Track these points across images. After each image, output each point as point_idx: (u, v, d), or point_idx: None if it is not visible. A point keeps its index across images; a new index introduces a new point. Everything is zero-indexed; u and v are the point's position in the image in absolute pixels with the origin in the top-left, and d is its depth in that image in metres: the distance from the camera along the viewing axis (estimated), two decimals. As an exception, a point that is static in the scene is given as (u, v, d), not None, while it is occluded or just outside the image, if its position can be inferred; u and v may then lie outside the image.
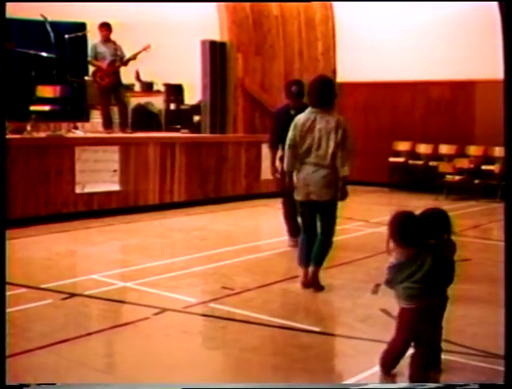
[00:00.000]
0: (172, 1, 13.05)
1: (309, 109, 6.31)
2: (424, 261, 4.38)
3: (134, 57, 11.64)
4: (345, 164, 6.13)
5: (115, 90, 11.65)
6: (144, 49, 11.45)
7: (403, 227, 4.44)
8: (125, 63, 11.69)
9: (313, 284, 6.33)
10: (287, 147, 6.34)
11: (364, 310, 5.81)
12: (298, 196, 6.36)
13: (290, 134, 6.28)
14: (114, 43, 11.58)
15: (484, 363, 4.57)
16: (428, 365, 4.40)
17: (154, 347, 4.87)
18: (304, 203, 6.34)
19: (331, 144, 6.12)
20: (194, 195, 11.53)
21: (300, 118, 6.29)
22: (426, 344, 4.41)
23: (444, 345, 4.81)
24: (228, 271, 7.03)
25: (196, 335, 5.28)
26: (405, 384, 4.38)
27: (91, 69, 11.96)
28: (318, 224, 6.38)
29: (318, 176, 6.19)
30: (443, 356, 4.63)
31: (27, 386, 3.91)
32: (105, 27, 11.45)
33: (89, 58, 11.64)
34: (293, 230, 7.97)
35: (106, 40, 11.51)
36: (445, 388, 4.37)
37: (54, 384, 4.11)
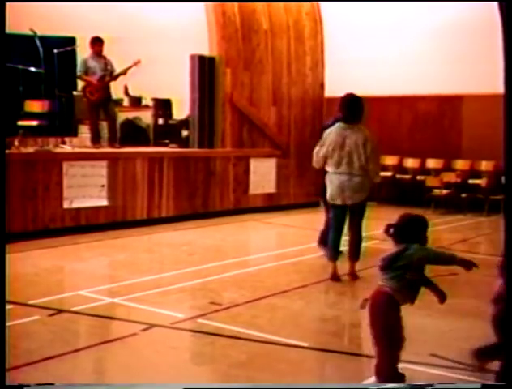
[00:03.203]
0: (167, 1, 13.09)
1: (339, 124, 7.17)
2: (412, 254, 4.70)
3: (124, 72, 11.64)
4: (377, 172, 7.24)
5: (104, 105, 11.63)
6: (135, 64, 11.46)
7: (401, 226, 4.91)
8: (116, 78, 11.69)
9: (351, 275, 7.32)
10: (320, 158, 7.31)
11: (352, 325, 5.82)
12: (335, 200, 7.29)
13: (323, 148, 7.22)
14: (105, 58, 11.57)
15: (471, 377, 4.56)
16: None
17: (142, 363, 4.85)
18: (339, 206, 7.28)
19: (362, 157, 7.04)
20: (182, 210, 11.52)
21: (331, 132, 7.18)
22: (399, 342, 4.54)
23: (432, 360, 4.83)
24: (216, 286, 7.02)
25: (184, 350, 5.27)
26: (405, 384, 4.39)
27: (80, 84, 11.92)
28: (350, 223, 7.38)
29: (353, 183, 7.11)
30: (431, 371, 4.64)
31: (28, 386, 3.94)
32: (98, 42, 11.44)
33: (79, 73, 11.59)
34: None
35: (98, 54, 11.50)
36: None
37: (54, 384, 4.12)
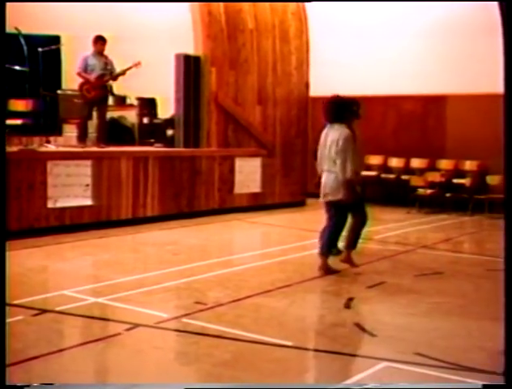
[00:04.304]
0: (155, 1, 13.05)
1: (327, 125, 7.59)
2: None
3: (123, 73, 11.61)
4: (344, 169, 7.25)
5: (100, 104, 11.60)
6: (135, 66, 11.45)
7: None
8: (115, 78, 11.67)
9: (321, 268, 7.55)
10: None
11: (336, 324, 5.83)
12: (322, 198, 7.67)
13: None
14: (106, 57, 11.55)
15: (455, 376, 4.58)
16: None
17: (126, 363, 4.84)
18: (325, 203, 7.65)
19: (334, 155, 7.34)
20: (167, 209, 11.50)
21: (322, 133, 7.61)
22: None
23: (417, 358, 4.85)
24: (201, 285, 7.01)
25: (168, 350, 5.26)
26: (405, 384, 4.41)
27: (78, 80, 11.81)
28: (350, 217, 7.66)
29: (329, 180, 7.42)
30: (416, 369, 4.67)
31: (28, 386, 3.94)
32: (100, 41, 11.43)
33: (78, 70, 11.53)
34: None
35: (99, 53, 11.47)
36: None
37: (54, 384, 4.12)
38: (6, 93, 10.73)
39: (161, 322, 5.68)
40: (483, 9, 13.28)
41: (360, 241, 7.99)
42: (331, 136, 7.43)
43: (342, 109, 7.51)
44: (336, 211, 7.59)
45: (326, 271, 7.55)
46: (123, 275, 7.34)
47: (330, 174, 7.45)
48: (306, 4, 14.48)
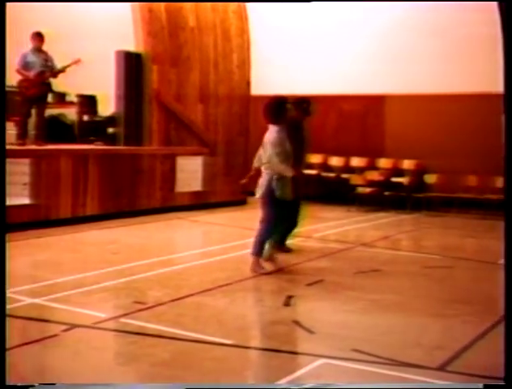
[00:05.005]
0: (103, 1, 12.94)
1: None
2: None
3: (63, 70, 11.40)
4: (276, 167, 7.39)
5: (39, 101, 11.38)
6: (75, 63, 11.25)
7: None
8: (55, 75, 11.44)
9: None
10: None
11: (276, 322, 5.88)
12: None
13: None
14: (46, 54, 11.33)
15: (392, 371, 4.66)
16: None
17: (64, 364, 4.78)
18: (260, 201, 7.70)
19: (267, 153, 7.49)
20: (107, 208, 11.39)
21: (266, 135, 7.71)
22: None
23: (355, 355, 4.92)
24: (141, 285, 6.97)
25: (106, 350, 5.22)
26: (405, 384, 4.46)
27: (17, 77, 11.57)
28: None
29: (263, 178, 7.54)
30: (354, 366, 4.74)
31: (28, 386, 3.94)
32: (38, 37, 11.22)
33: (17, 67, 11.30)
34: None
35: (38, 49, 11.26)
36: None
37: (54, 384, 4.09)
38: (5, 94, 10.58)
39: (99, 323, 5.62)
40: (423, 10, 13.55)
41: (301, 239, 8.08)
42: (266, 137, 7.62)
43: (276, 110, 7.63)
44: (268, 209, 7.63)
45: (257, 270, 7.52)
46: (62, 275, 7.24)
47: (264, 173, 7.57)
48: (247, 4, 14.52)
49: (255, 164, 7.93)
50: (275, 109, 7.64)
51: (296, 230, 8.74)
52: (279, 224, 7.73)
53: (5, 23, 4.59)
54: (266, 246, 7.73)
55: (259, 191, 7.59)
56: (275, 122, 7.59)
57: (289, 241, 8.73)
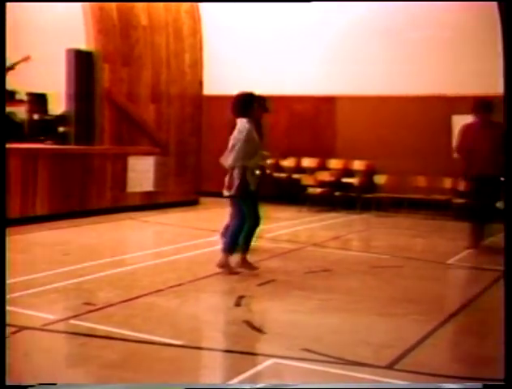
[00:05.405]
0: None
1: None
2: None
3: (12, 67, 11.21)
4: (230, 157, 7.44)
5: None
6: (24, 60, 11.09)
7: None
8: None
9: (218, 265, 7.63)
10: None
11: (226, 323, 5.90)
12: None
13: None
14: None
15: (341, 370, 4.72)
16: None
17: (12, 366, 4.71)
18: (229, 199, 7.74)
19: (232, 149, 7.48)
20: (57, 209, 11.24)
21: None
22: None
23: (305, 354, 4.97)
24: (91, 286, 6.92)
25: (56, 352, 5.17)
26: (404, 383, 4.48)
27: None
28: None
29: (233, 175, 7.47)
30: (303, 365, 4.78)
31: (28, 386, 3.92)
32: None
33: None
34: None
35: None
36: None
37: (55, 384, 4.07)
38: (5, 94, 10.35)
39: (49, 324, 5.56)
40: (375, 13, 13.72)
41: (252, 239, 8.10)
42: (234, 131, 7.62)
43: (245, 104, 7.68)
44: (236, 207, 7.68)
45: (225, 268, 7.57)
46: (11, 276, 7.05)
47: (235, 169, 7.56)
48: (200, 4, 14.51)
49: (224, 163, 7.79)
50: (244, 103, 7.69)
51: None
52: (252, 219, 7.66)
53: (5, 23, 4.56)
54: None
55: (226, 188, 7.57)
56: (243, 116, 7.61)
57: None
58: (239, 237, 7.63)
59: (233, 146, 7.47)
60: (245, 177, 7.45)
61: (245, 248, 7.66)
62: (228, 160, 7.49)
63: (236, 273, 7.55)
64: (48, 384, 4.07)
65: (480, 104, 9.44)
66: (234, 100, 7.77)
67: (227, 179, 7.51)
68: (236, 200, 7.64)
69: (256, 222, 7.64)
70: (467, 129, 9.59)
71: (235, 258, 7.70)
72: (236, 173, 7.44)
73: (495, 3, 10.63)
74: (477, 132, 9.37)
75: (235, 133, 7.54)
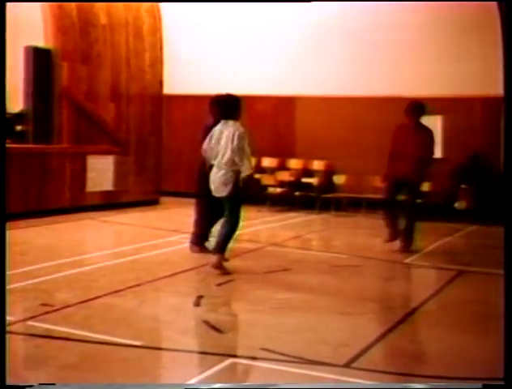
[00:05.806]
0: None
1: (221, 121, 7.67)
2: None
3: None
4: (244, 166, 7.49)
5: None
6: None
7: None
8: None
9: (213, 266, 7.59)
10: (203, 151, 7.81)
11: (186, 323, 5.90)
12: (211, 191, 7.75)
13: (209, 143, 7.71)
14: None
15: (299, 369, 4.75)
16: None
17: (-34, 369, 4.66)
18: (214, 197, 7.76)
19: (229, 151, 7.47)
20: (14, 208, 11.06)
21: (217, 129, 7.67)
22: None
23: (263, 354, 4.99)
24: (49, 286, 6.85)
25: (13, 354, 5.08)
26: (402, 383, 4.49)
27: None
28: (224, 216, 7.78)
29: (218, 175, 7.56)
30: (262, 364, 4.81)
31: (28, 386, 3.91)
32: None
33: None
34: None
35: None
36: None
37: (54, 384, 4.06)
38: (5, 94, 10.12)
39: (6, 326, 5.49)
40: (337, 14, 13.82)
41: (212, 239, 8.11)
42: (226, 133, 7.55)
43: (234, 106, 7.69)
44: (226, 207, 7.69)
45: (220, 269, 7.57)
46: (-35, 277, 7.03)
47: (220, 170, 7.56)
48: (160, 4, 14.46)
49: (207, 158, 7.79)
50: (233, 105, 7.68)
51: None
52: (238, 220, 7.73)
53: (5, 23, 4.50)
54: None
55: (222, 189, 7.57)
56: (232, 118, 7.60)
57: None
58: (232, 237, 7.73)
59: (239, 149, 7.46)
60: (238, 181, 7.51)
61: (222, 248, 7.75)
62: (244, 167, 7.49)
63: (229, 273, 7.56)
64: (47, 384, 4.03)
65: (412, 107, 9.42)
66: (220, 102, 7.76)
67: (223, 179, 7.52)
68: (228, 201, 7.63)
69: (238, 223, 7.76)
70: (398, 130, 9.57)
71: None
72: (229, 176, 7.49)
73: (495, 3, 10.70)
74: (406, 135, 9.34)
75: (232, 136, 7.48)
